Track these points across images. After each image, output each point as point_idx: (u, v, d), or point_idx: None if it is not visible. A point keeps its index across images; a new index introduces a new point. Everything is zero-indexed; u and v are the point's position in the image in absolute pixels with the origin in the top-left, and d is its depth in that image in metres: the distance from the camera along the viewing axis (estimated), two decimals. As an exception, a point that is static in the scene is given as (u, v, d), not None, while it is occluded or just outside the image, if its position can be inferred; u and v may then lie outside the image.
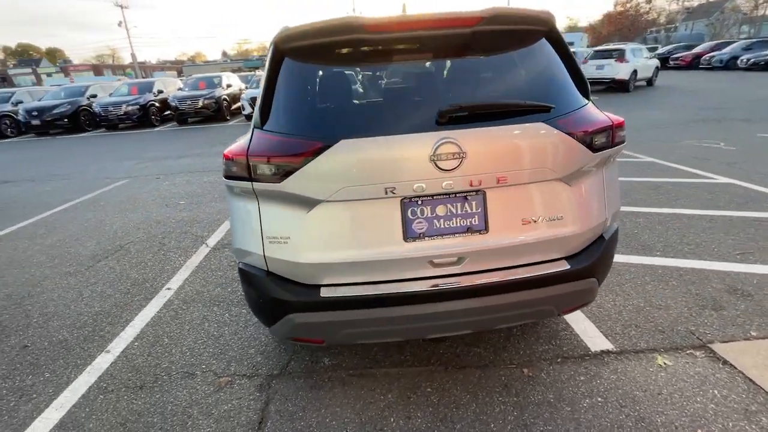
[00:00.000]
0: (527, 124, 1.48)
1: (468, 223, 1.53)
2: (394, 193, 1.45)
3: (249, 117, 11.08)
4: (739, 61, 21.33)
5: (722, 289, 2.66)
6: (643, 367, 2.05)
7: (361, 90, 1.64)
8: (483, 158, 1.45)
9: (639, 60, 15.31)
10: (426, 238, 1.52)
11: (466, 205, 1.52)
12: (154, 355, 2.42)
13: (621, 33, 43.22)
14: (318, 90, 1.58)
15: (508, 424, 1.79)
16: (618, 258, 3.15)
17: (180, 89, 15.37)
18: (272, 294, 1.60)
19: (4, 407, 2.09)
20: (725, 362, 2.04)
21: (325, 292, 1.55)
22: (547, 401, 1.89)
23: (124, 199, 5.82)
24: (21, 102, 14.85)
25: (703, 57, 24.23)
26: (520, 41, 1.64)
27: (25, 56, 76.55)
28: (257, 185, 1.52)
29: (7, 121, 14.36)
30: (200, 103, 13.78)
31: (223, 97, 14.41)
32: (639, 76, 15.37)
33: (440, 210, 1.52)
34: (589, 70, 15.31)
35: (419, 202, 1.50)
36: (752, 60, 20.55)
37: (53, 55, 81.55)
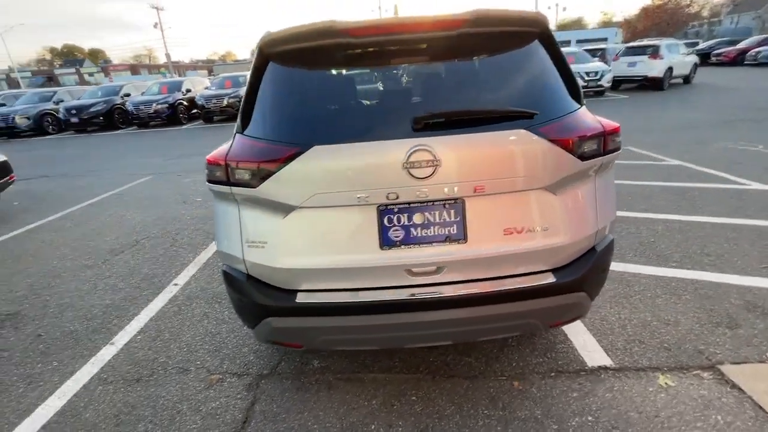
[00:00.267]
0: (507, 131, 1.42)
1: (446, 232, 1.49)
2: (367, 201, 1.43)
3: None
4: (789, 57, 19.88)
5: (740, 306, 2.48)
6: (642, 387, 1.94)
7: (339, 95, 1.62)
8: (459, 166, 1.40)
9: (675, 56, 14.52)
10: (403, 246, 1.49)
11: (445, 213, 1.48)
12: (154, 349, 2.50)
13: (659, 28, 41.07)
14: (297, 95, 1.58)
15: (491, 438, 1.74)
16: (629, 268, 3.00)
17: (207, 88, 15.87)
18: (252, 297, 1.61)
19: (13, 393, 2.22)
20: (734, 386, 1.90)
21: (301, 298, 1.55)
22: (534, 417, 1.82)
23: (146, 196, 6.06)
24: (62, 101, 15.74)
25: (749, 53, 22.68)
26: (508, 44, 1.58)
27: (70, 57, 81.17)
28: (236, 190, 1.53)
29: (49, 119, 15.25)
30: (225, 102, 14.15)
31: (247, 96, 14.72)
32: (675, 73, 14.56)
33: (417, 218, 1.48)
34: (620, 67, 14.67)
35: (396, 210, 1.47)
36: (805, 56, 19.10)
37: (95, 55, 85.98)
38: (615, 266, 3.04)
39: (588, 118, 1.54)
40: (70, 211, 5.57)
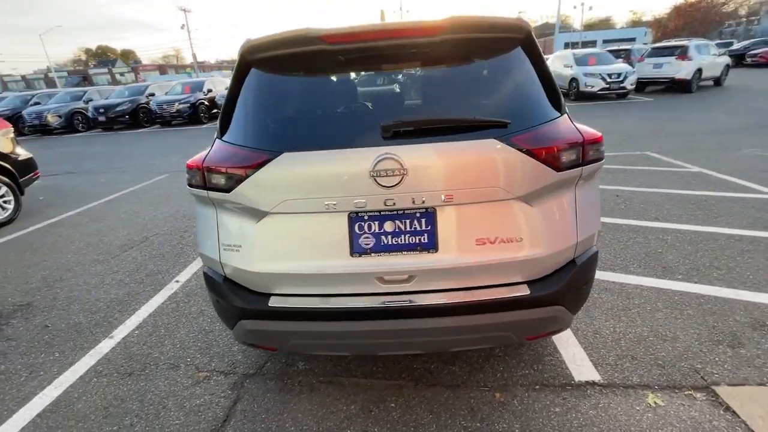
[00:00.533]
0: (477, 141, 1.39)
1: (417, 241, 1.48)
2: (335, 208, 1.43)
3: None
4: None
5: (746, 324, 2.36)
6: (628, 404, 1.87)
7: (313, 103, 1.63)
8: (426, 176, 1.39)
9: (705, 57, 13.90)
10: (373, 254, 1.49)
11: (415, 222, 1.46)
12: (149, 344, 2.58)
13: (691, 27, 39.34)
14: (272, 103, 1.59)
15: (465, 450, 1.71)
16: (631, 279, 2.90)
17: (227, 88, 16.22)
18: (228, 299, 1.64)
19: (15, 381, 2.33)
20: (728, 408, 1.81)
21: (274, 302, 1.57)
22: (512, 431, 1.78)
23: (160, 193, 6.26)
24: (91, 100, 16.45)
25: (788, 54, 21.51)
26: (487, 51, 1.55)
27: (103, 57, 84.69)
28: (212, 194, 1.56)
29: (79, 117, 15.97)
30: (244, 102, 14.43)
31: (265, 96, 15.00)
32: (704, 75, 13.95)
33: (388, 226, 1.47)
34: (645, 68, 14.16)
35: (366, 218, 1.47)
36: None
37: (127, 56, 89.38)
38: (616, 278, 2.94)
39: (566, 127, 1.49)
40: (89, 206, 5.81)
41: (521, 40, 1.55)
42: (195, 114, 15.16)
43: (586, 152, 1.48)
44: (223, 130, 1.62)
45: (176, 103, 14.92)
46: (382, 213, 1.46)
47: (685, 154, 6.32)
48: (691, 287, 2.76)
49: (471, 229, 1.47)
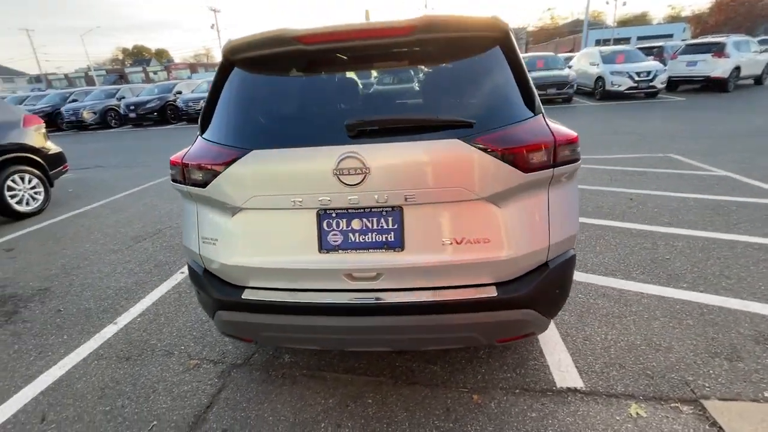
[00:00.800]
0: (440, 141, 1.39)
1: (384, 239, 1.49)
2: (302, 205, 1.46)
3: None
4: None
5: (749, 336, 2.23)
6: (609, 414, 1.82)
7: (285, 101, 1.66)
8: (388, 175, 1.40)
9: (744, 55, 13.12)
10: (341, 251, 1.51)
11: (383, 220, 1.48)
12: (149, 331, 2.71)
13: (733, 23, 37.09)
14: (247, 101, 1.64)
15: (434, 450, 1.71)
16: (631, 286, 2.80)
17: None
18: (206, 291, 1.71)
19: (25, 360, 2.50)
20: (714, 423, 1.73)
21: (247, 294, 1.62)
22: (484, 433, 1.77)
23: (178, 187, 6.50)
24: (123, 97, 17.23)
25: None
26: (461, 50, 1.54)
27: (139, 57, 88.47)
28: (191, 189, 1.63)
29: (112, 114, 16.77)
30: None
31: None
32: (743, 73, 13.20)
33: (356, 224, 1.50)
34: (678, 66, 13.51)
35: (334, 215, 1.50)
36: None
37: (160, 55, 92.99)
38: (616, 283, 2.85)
39: (537, 127, 1.46)
40: (112, 199, 6.12)
41: (498, 39, 1.53)
42: (219, 111, 15.60)
43: (558, 153, 1.45)
44: (203, 128, 1.68)
45: (201, 101, 15.41)
46: (349, 211, 1.48)
47: (712, 157, 6.01)
48: (696, 296, 2.64)
49: (438, 228, 1.47)
